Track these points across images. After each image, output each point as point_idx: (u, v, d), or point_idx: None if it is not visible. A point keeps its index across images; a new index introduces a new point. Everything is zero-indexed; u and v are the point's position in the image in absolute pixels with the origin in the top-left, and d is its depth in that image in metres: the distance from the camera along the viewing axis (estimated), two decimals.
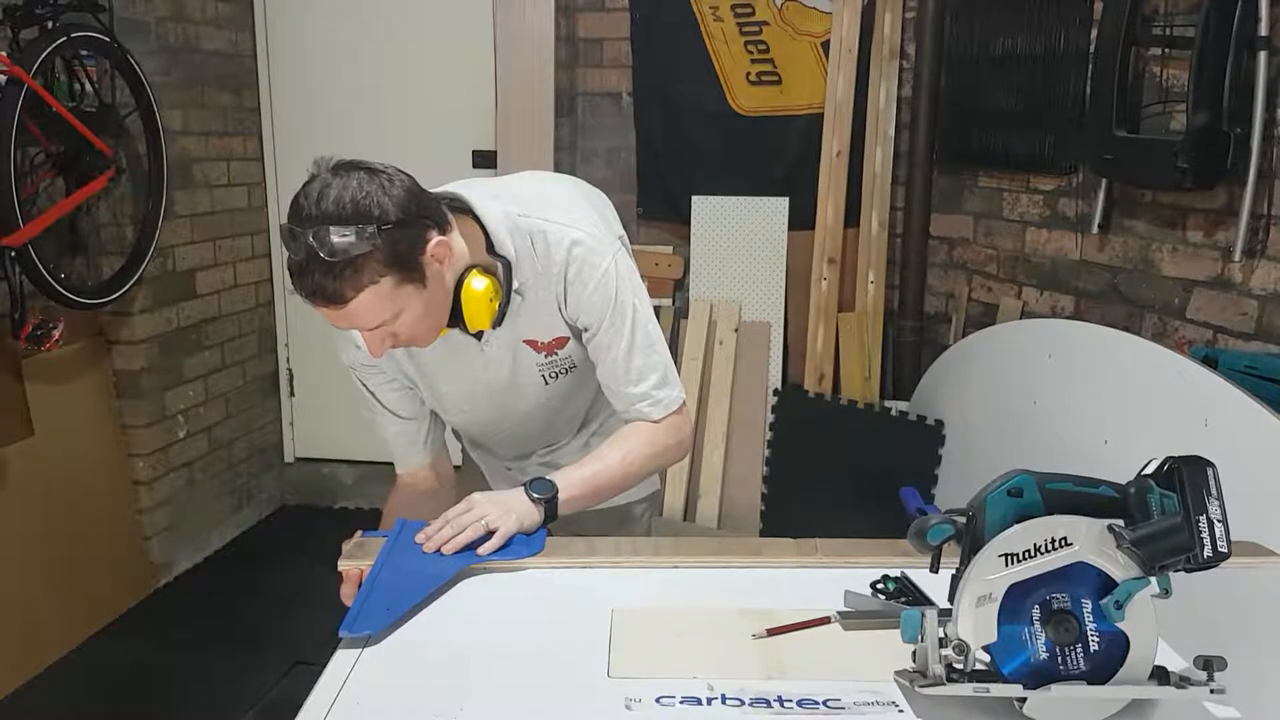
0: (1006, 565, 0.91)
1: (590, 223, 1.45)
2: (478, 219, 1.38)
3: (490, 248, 1.38)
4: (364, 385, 1.56)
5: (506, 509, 1.34)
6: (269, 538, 3.77)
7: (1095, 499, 0.94)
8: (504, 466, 1.73)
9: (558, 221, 1.42)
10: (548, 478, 1.40)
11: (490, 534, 1.31)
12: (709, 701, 0.97)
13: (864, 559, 1.29)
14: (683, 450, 1.53)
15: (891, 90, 3.44)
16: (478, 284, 1.33)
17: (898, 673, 0.96)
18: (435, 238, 1.27)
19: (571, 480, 1.41)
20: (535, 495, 1.37)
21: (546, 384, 1.51)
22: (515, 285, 1.39)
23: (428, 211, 1.28)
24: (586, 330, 1.45)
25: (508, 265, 1.38)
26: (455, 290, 1.33)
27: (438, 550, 1.29)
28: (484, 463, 1.77)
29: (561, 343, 1.47)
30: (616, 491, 1.48)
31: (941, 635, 0.92)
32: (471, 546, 1.30)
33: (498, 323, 1.40)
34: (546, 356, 1.47)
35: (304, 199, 1.22)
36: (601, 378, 1.49)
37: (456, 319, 1.35)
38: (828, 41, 3.44)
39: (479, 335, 1.43)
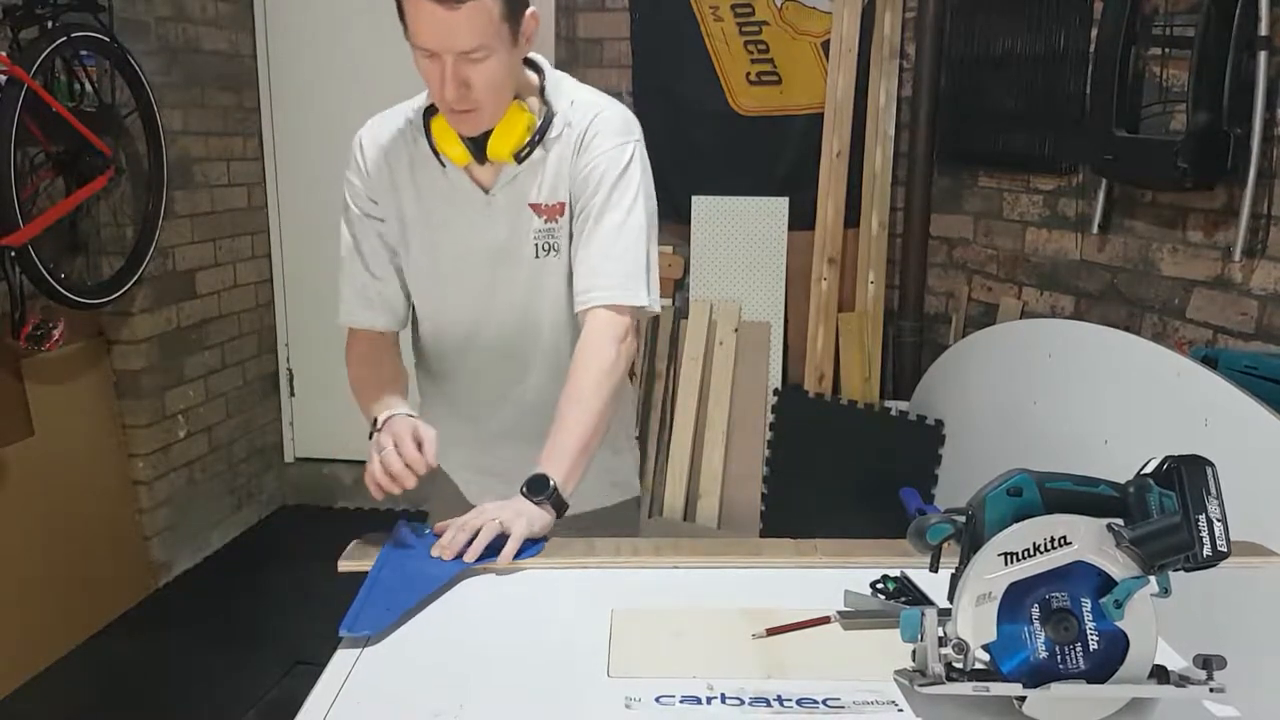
0: (1006, 564, 0.91)
1: (625, 112, 1.50)
2: (537, 68, 1.47)
3: (542, 93, 1.45)
4: (349, 229, 1.55)
5: (516, 512, 1.32)
6: (269, 538, 3.77)
7: (1095, 498, 0.94)
8: (476, 457, 1.67)
9: (595, 97, 1.49)
10: (535, 473, 1.36)
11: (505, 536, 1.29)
12: (709, 701, 0.97)
13: (864, 559, 1.29)
14: (630, 351, 1.48)
15: (891, 90, 3.44)
16: (520, 111, 1.39)
17: (897, 672, 0.96)
18: (531, 9, 1.35)
19: (556, 460, 1.37)
20: (536, 498, 1.34)
21: (537, 257, 1.49)
22: (550, 135, 1.43)
23: None
24: (582, 196, 1.45)
25: (549, 117, 1.43)
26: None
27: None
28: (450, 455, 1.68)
29: (560, 209, 1.47)
30: (600, 435, 1.43)
31: (941, 634, 0.92)
32: (487, 551, 1.28)
33: (520, 158, 1.42)
34: (545, 222, 1.47)
35: None
36: (583, 251, 1.45)
37: (481, 149, 1.40)
38: (828, 41, 3.45)
39: (488, 191, 1.46)
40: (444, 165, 1.45)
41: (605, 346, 1.44)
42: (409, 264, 1.55)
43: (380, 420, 1.45)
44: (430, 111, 1.44)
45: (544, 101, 1.45)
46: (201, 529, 3.54)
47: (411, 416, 1.45)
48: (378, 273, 1.55)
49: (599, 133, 1.45)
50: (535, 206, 1.47)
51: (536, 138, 1.42)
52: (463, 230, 1.49)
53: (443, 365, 1.65)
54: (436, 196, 1.49)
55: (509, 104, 1.40)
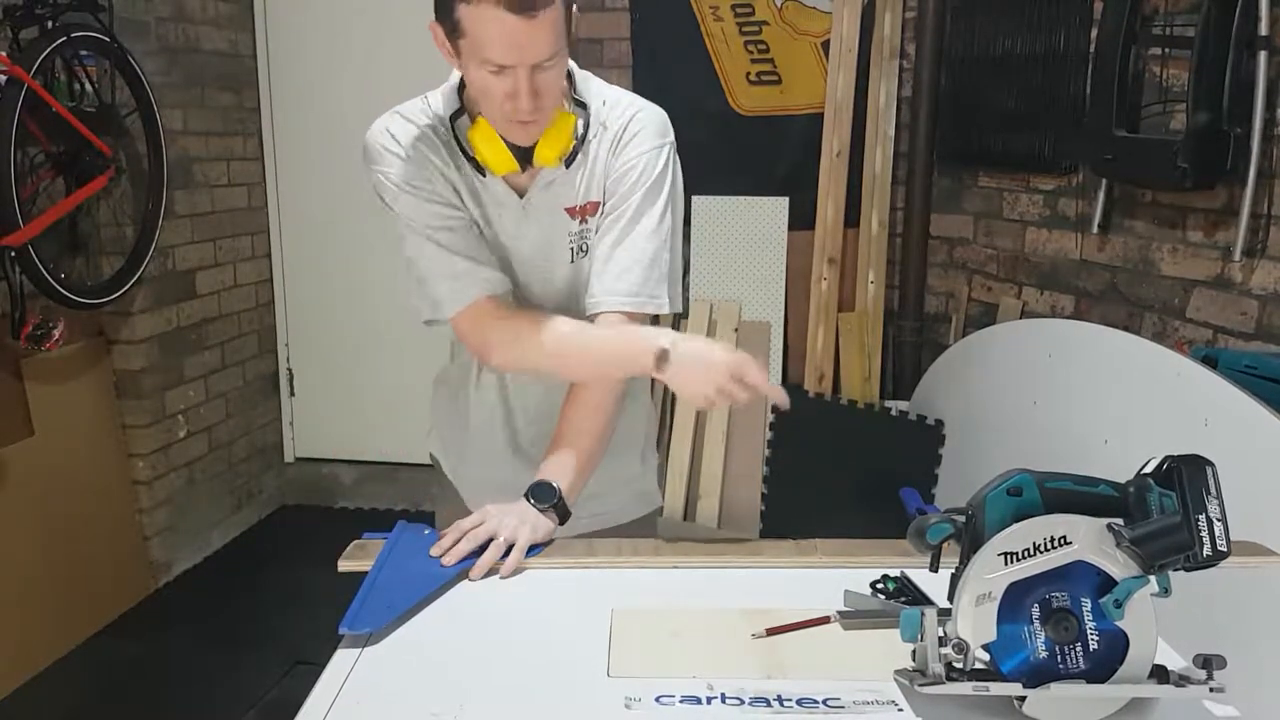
0: (1006, 564, 0.91)
1: (661, 113, 1.47)
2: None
3: (573, 92, 1.41)
4: (411, 220, 1.40)
5: (520, 520, 1.31)
6: (269, 538, 3.77)
7: (1095, 498, 0.94)
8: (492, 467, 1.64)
9: (627, 96, 1.46)
10: (540, 479, 1.36)
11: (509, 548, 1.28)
12: (709, 700, 0.97)
13: (864, 559, 1.29)
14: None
15: (891, 90, 3.44)
16: (561, 116, 1.36)
17: (897, 672, 0.96)
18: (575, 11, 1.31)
19: (561, 467, 1.37)
20: (541, 505, 1.34)
21: (573, 261, 1.46)
22: (588, 136, 1.41)
23: None
24: (616, 194, 1.42)
25: (585, 119, 1.40)
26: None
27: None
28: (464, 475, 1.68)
29: (594, 209, 1.45)
30: (606, 443, 1.43)
31: (941, 634, 0.92)
32: (481, 552, 1.27)
33: (569, 163, 1.39)
34: (580, 224, 1.45)
35: None
36: (610, 252, 1.41)
37: (526, 157, 1.36)
38: (828, 41, 3.45)
39: (523, 195, 1.42)
40: (484, 175, 1.40)
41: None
42: None
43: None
44: (456, 117, 1.39)
45: (576, 102, 1.42)
46: (201, 529, 3.54)
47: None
48: (464, 247, 1.41)
49: (638, 133, 1.43)
50: (570, 209, 1.44)
51: (579, 142, 1.40)
52: (496, 236, 1.46)
53: (475, 375, 1.61)
54: (469, 202, 1.44)
55: (559, 101, 1.36)
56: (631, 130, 1.43)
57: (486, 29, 1.22)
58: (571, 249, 1.46)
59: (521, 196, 1.43)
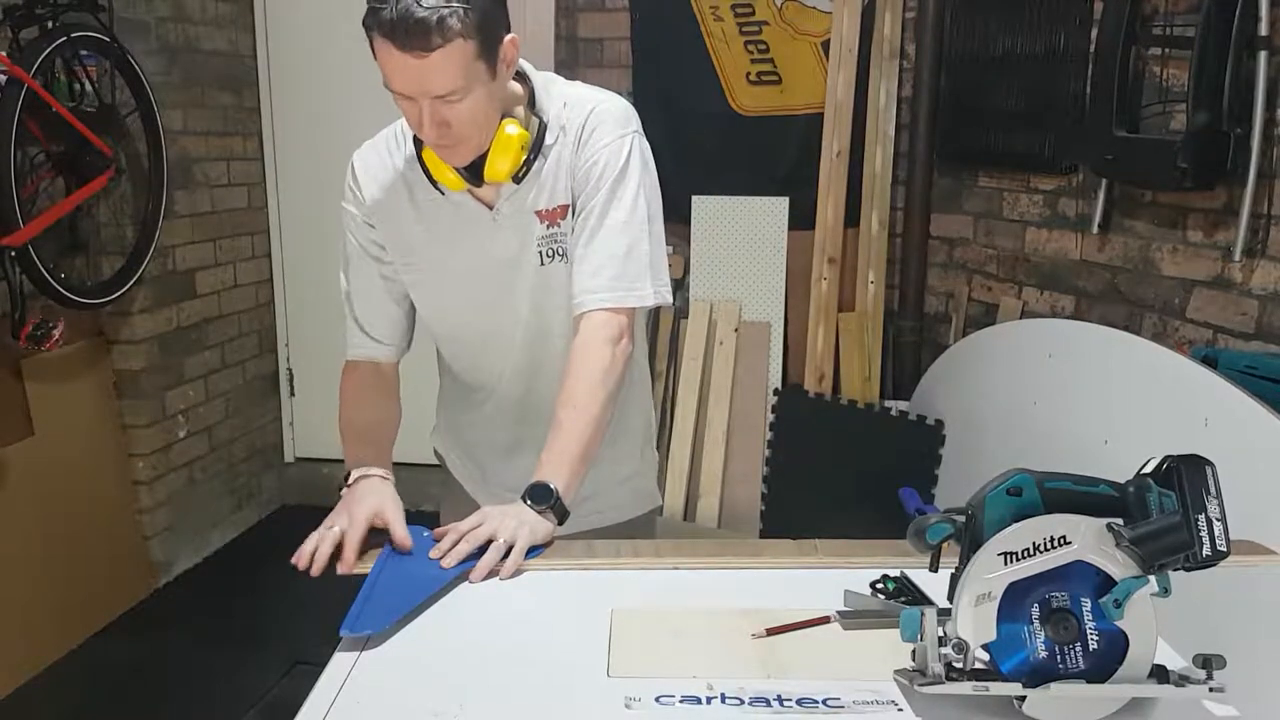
0: (1005, 564, 0.91)
1: (622, 103, 1.47)
2: (524, 76, 1.43)
3: (532, 103, 1.42)
4: (346, 262, 1.54)
5: (519, 521, 1.31)
6: (269, 538, 3.77)
7: (1094, 498, 0.94)
8: (494, 460, 1.66)
9: (589, 92, 1.47)
10: (536, 480, 1.35)
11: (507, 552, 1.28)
12: (709, 701, 0.97)
13: (864, 559, 1.29)
14: (627, 351, 1.46)
15: (891, 90, 3.44)
16: (511, 129, 1.36)
17: (897, 672, 0.96)
18: (509, 36, 1.31)
19: (557, 467, 1.36)
20: (539, 506, 1.33)
21: (541, 264, 1.47)
22: (545, 144, 1.41)
23: (507, 12, 1.32)
24: (584, 192, 1.43)
25: (542, 129, 1.41)
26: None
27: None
28: (468, 460, 1.71)
29: (564, 211, 1.45)
30: (599, 441, 1.42)
31: (941, 634, 0.92)
32: (480, 554, 1.27)
33: (518, 179, 1.40)
34: (549, 228, 1.45)
35: None
36: (584, 250, 1.43)
37: (477, 174, 1.37)
38: (828, 41, 3.45)
39: (492, 207, 1.43)
40: (442, 193, 1.43)
41: (600, 348, 1.42)
42: (416, 286, 1.53)
43: (351, 478, 1.43)
44: (420, 139, 1.41)
45: (534, 112, 1.42)
46: (201, 529, 3.54)
47: (385, 480, 1.44)
48: (374, 303, 1.53)
49: (597, 127, 1.43)
50: (539, 213, 1.44)
51: (532, 155, 1.40)
52: (470, 248, 1.47)
53: (460, 380, 1.64)
54: (440, 218, 1.46)
55: (495, 128, 1.36)
56: (590, 126, 1.43)
57: (385, 59, 1.26)
58: (540, 252, 1.46)
59: (491, 208, 1.44)
